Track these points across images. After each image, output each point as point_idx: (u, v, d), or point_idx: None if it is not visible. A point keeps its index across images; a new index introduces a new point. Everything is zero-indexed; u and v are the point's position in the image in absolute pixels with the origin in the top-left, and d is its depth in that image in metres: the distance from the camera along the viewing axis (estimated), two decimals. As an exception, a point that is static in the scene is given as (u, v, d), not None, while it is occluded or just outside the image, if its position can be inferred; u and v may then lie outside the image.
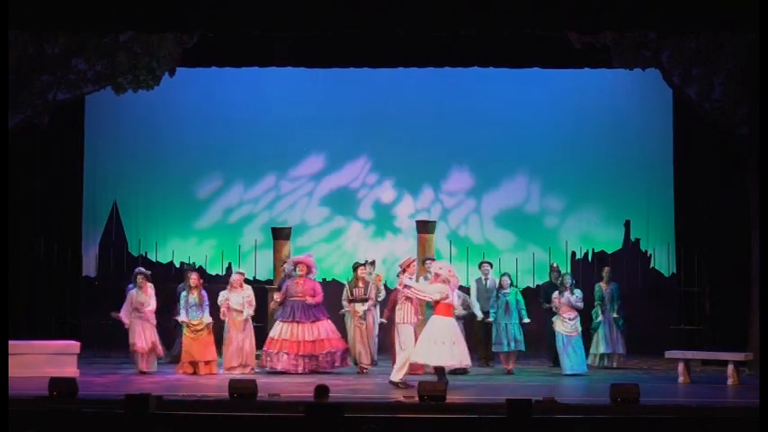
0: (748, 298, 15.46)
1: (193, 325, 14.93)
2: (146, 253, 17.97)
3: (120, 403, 9.73)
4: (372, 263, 16.22)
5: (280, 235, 17.03)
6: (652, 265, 18.13)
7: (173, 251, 18.05)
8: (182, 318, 15.03)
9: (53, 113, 15.91)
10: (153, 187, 18.55)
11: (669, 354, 14.78)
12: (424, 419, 9.80)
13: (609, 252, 18.20)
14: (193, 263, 17.58)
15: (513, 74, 17.56)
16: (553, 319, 15.24)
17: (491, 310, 15.46)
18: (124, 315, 15.11)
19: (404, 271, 13.71)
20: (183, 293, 15.18)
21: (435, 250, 17.09)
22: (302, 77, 17.94)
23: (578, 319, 15.11)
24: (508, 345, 15.27)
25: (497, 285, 15.57)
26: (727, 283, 16.82)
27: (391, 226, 18.75)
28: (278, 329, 15.10)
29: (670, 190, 17.84)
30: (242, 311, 15.03)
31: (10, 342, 12.31)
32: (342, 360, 15.17)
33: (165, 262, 17.78)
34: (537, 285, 17.06)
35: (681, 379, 14.27)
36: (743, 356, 14.36)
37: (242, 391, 10.91)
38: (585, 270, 17.47)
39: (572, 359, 14.97)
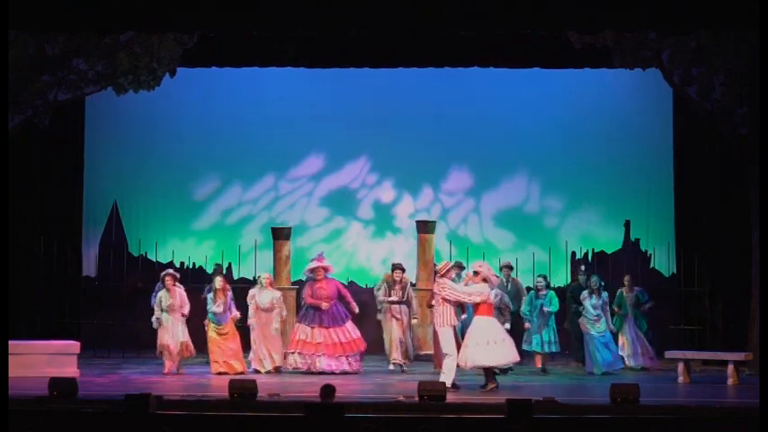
0: (748, 298, 15.46)
1: (219, 327, 14.81)
2: (146, 253, 17.97)
3: (120, 403, 9.73)
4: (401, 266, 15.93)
5: (280, 235, 17.04)
6: (652, 265, 18.12)
7: (173, 251, 18.04)
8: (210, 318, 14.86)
9: (53, 114, 15.91)
10: (153, 187, 18.55)
11: (669, 354, 14.78)
12: (424, 419, 9.78)
13: (609, 252, 18.20)
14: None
15: (513, 74, 17.59)
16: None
17: (525, 310, 15.34)
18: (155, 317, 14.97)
19: (441, 276, 13.36)
20: (210, 295, 15.00)
21: (435, 250, 17.10)
22: (302, 77, 17.95)
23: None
24: (541, 345, 15.26)
25: (534, 287, 15.48)
26: (727, 283, 16.84)
27: (391, 226, 18.75)
28: (306, 333, 14.96)
29: (670, 190, 17.86)
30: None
31: (10, 342, 12.31)
32: (361, 361, 15.16)
33: (164, 262, 17.76)
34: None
35: (681, 379, 14.26)
36: (743, 356, 14.36)
37: (242, 391, 10.90)
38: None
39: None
